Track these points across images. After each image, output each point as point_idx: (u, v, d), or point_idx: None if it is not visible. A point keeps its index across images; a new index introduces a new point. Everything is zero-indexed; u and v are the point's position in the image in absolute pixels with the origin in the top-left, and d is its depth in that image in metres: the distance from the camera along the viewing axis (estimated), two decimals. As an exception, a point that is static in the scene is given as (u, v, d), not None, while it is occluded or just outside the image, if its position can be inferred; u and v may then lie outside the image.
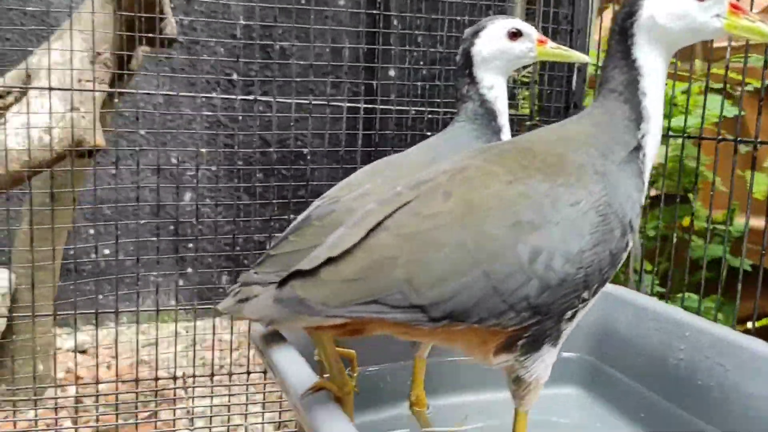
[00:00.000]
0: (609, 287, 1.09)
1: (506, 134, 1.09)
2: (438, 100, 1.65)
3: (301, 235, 0.98)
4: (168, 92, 1.68)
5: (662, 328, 1.05)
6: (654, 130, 0.84)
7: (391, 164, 1.08)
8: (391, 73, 2.02)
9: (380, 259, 0.70)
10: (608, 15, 1.93)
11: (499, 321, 0.73)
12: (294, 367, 0.83)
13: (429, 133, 1.61)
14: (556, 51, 1.12)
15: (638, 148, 0.82)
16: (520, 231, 0.73)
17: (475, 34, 1.10)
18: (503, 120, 1.09)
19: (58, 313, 1.77)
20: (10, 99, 1.87)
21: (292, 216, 1.56)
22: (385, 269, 0.70)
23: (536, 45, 1.10)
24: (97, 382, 1.70)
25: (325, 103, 1.47)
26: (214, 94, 2.22)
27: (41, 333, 1.85)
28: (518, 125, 1.63)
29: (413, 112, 1.63)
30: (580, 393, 1.07)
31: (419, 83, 1.68)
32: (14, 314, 1.86)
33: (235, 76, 2.26)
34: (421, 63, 1.77)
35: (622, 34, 0.83)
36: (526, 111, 1.65)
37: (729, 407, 0.94)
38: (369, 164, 1.11)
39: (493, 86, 1.09)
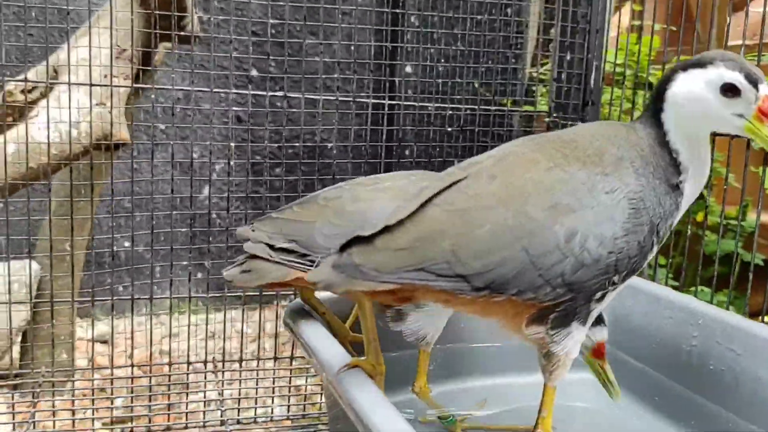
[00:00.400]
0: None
1: None
2: (457, 97, 1.71)
3: (305, 208, 1.04)
4: (202, 89, 1.74)
5: (676, 316, 1.10)
6: (692, 181, 0.87)
7: (427, 174, 1.12)
8: (409, 69, 2.07)
9: (429, 232, 0.77)
10: (625, 11, 1.97)
11: (535, 295, 0.80)
12: (327, 344, 0.89)
13: (449, 129, 1.67)
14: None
15: (677, 186, 0.87)
16: (558, 213, 0.79)
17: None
18: None
19: (80, 300, 1.83)
20: (36, 94, 1.94)
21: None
22: (434, 241, 0.77)
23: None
24: (113, 367, 1.76)
25: (351, 99, 1.53)
26: (234, 90, 2.29)
27: (63, 322, 1.92)
28: (536, 121, 1.68)
29: (432, 108, 1.68)
30: (594, 379, 1.12)
31: (439, 80, 1.73)
32: (38, 302, 1.92)
33: (254, 73, 2.32)
34: (440, 60, 1.83)
35: (657, 95, 0.87)
36: (545, 107, 1.70)
37: (739, 390, 0.99)
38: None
39: None
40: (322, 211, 1.01)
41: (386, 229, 0.78)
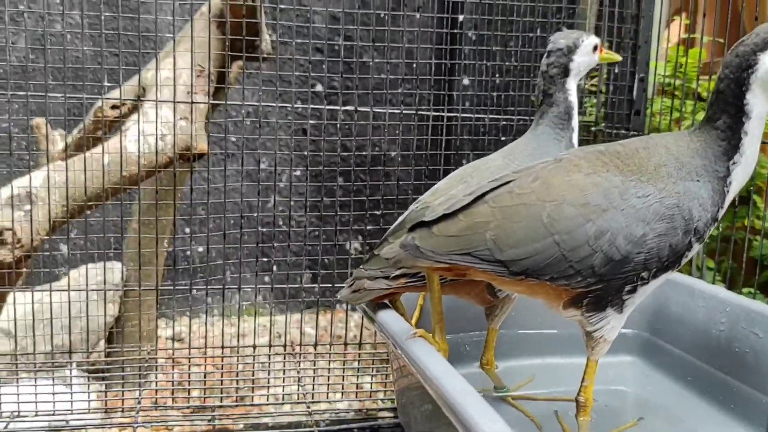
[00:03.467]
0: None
1: (575, 134, 1.34)
2: (511, 108, 1.92)
3: (399, 236, 1.27)
4: (269, 103, 1.99)
5: (707, 305, 1.28)
6: (745, 163, 1.01)
7: (477, 169, 1.34)
8: (466, 82, 2.29)
9: (476, 223, 0.98)
10: (674, 27, 2.15)
11: (568, 282, 0.98)
12: (397, 320, 1.11)
13: (503, 138, 1.88)
14: (608, 55, 1.40)
15: (726, 176, 1.01)
16: (589, 212, 0.97)
17: (572, 50, 1.33)
18: (575, 122, 1.34)
19: (163, 287, 2.08)
20: (123, 110, 2.23)
21: (369, 214, 1.84)
22: (479, 231, 0.97)
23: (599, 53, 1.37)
24: (190, 364, 2.01)
25: (413, 112, 1.75)
26: (302, 104, 2.55)
27: (146, 321, 2.19)
28: (585, 131, 1.87)
29: (488, 119, 1.89)
30: (636, 361, 1.31)
31: (494, 93, 1.95)
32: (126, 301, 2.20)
33: (319, 88, 2.58)
34: (496, 74, 2.04)
35: (737, 82, 1.00)
36: (592, 118, 1.89)
37: (761, 369, 1.16)
38: (457, 170, 1.38)
39: (574, 92, 1.33)
40: None
41: (443, 218, 1.00)
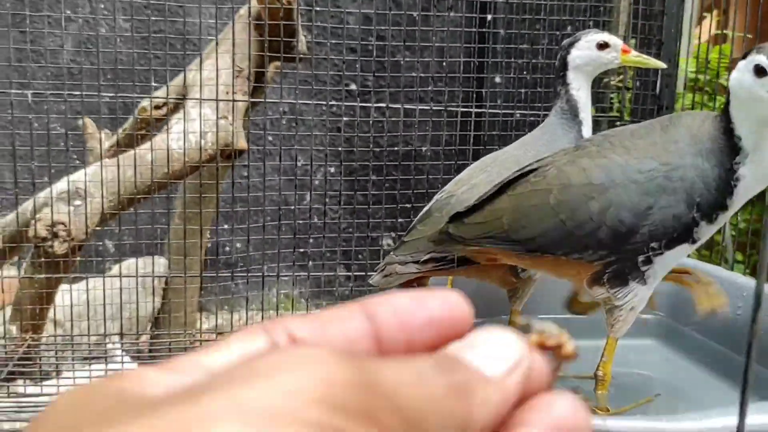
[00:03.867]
0: (687, 261, 1.39)
1: (587, 127, 1.41)
2: (539, 104, 1.98)
3: (426, 224, 1.35)
4: (307, 101, 2.09)
5: (726, 290, 1.33)
6: (752, 166, 1.02)
7: (496, 160, 1.43)
8: (498, 80, 2.36)
9: (496, 210, 1.11)
10: (705, 24, 2.19)
11: (581, 255, 1.08)
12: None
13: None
14: (637, 59, 1.42)
15: (731, 169, 1.04)
16: (591, 190, 1.06)
17: (571, 44, 1.40)
18: (584, 114, 1.40)
19: (207, 275, 2.19)
20: (164, 110, 2.35)
21: (400, 208, 1.92)
22: (498, 217, 1.10)
23: (620, 54, 1.40)
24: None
25: (443, 108, 1.83)
26: (334, 102, 2.64)
27: (189, 310, 2.30)
28: (609, 125, 1.92)
29: (518, 115, 1.96)
30: (657, 345, 1.37)
31: (522, 90, 2.02)
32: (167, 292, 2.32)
33: (353, 86, 2.67)
34: (525, 72, 2.11)
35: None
36: (617, 114, 1.96)
37: (777, 350, 1.22)
38: (477, 161, 1.47)
39: (580, 88, 1.39)
40: (439, 221, 1.32)
41: (473, 209, 1.14)
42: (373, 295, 0.26)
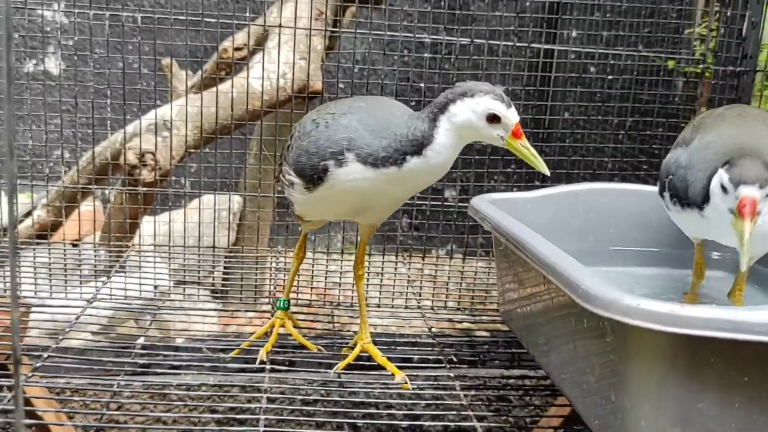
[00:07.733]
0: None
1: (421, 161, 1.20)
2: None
3: None
4: (377, 51, 2.13)
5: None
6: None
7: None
8: (574, 34, 2.37)
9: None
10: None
11: None
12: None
13: (609, 77, 1.96)
14: (523, 150, 1.17)
15: None
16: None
17: (462, 95, 1.16)
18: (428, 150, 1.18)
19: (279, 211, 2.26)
20: (244, 52, 2.43)
21: (462, 161, 1.94)
22: None
23: (509, 135, 1.16)
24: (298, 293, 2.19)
25: (512, 44, 1.85)
26: (405, 53, 2.68)
27: (260, 250, 2.40)
28: (691, 72, 1.94)
29: (592, 70, 1.98)
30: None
31: (603, 32, 2.03)
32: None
33: (425, 38, 2.70)
34: (599, 28, 2.10)
35: None
36: (701, 57, 1.96)
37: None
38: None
39: (447, 142, 1.17)
40: None
41: None
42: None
